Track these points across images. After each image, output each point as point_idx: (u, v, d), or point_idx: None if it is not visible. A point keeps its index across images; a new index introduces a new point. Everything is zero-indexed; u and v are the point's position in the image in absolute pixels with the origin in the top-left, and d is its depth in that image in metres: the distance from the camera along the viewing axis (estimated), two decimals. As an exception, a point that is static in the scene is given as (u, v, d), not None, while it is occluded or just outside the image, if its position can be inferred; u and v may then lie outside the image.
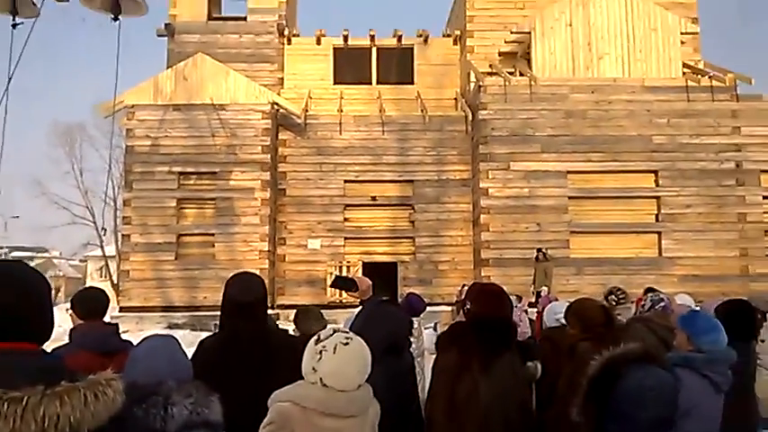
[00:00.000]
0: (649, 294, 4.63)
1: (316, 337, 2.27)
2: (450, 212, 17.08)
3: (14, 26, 8.90)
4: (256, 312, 2.82)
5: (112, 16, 8.88)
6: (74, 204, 36.34)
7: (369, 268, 16.80)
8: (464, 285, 14.45)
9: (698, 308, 5.11)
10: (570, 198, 15.88)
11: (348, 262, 16.85)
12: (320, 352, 2.21)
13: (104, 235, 32.53)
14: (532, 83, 16.11)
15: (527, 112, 16.09)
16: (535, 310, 9.52)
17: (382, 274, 16.36)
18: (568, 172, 15.91)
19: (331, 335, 2.25)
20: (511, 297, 3.37)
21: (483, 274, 15.56)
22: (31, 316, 1.45)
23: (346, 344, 2.23)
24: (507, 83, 16.17)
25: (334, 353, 2.19)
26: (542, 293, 11.81)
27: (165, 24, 18.13)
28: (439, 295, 16.23)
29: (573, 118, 16.02)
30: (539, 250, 14.59)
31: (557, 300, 6.67)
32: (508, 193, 15.87)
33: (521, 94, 16.15)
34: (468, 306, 3.17)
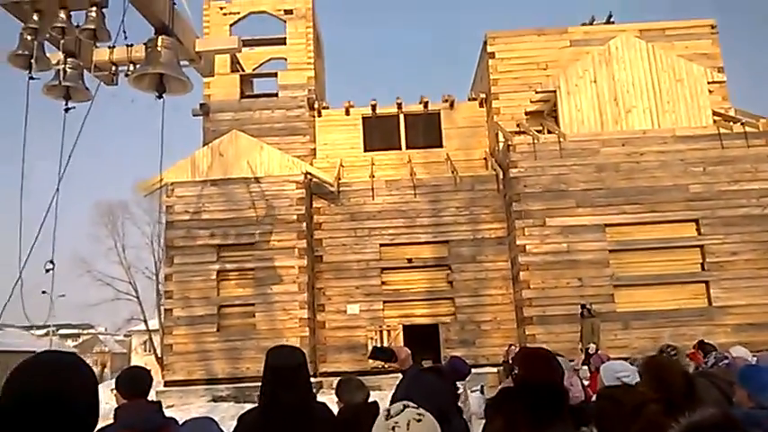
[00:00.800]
0: (713, 353, 4.50)
1: (385, 413, 2.23)
2: (488, 271, 16.96)
3: (67, 110, 9.43)
4: (297, 382, 2.79)
5: (157, 94, 9.39)
6: (117, 280, 37.15)
7: (409, 331, 16.71)
8: (511, 345, 14.31)
9: (755, 360, 4.93)
10: (611, 251, 15.65)
11: (388, 326, 16.75)
12: (392, 428, 2.17)
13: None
14: (561, 139, 16.23)
15: (558, 168, 16.13)
16: (586, 368, 9.27)
17: (423, 336, 16.23)
18: (606, 225, 15.75)
19: (402, 410, 2.21)
20: (560, 359, 3.31)
21: (527, 333, 15.28)
22: (80, 406, 1.50)
23: (419, 420, 2.19)
24: (536, 141, 16.32)
25: (407, 429, 2.16)
26: (590, 350, 11.49)
27: (201, 104, 18.92)
28: (483, 356, 15.97)
29: (605, 171, 15.98)
30: (583, 306, 14.30)
31: (609, 358, 6.49)
32: (546, 248, 15.73)
33: (550, 150, 16.25)
34: (516, 371, 3.13)
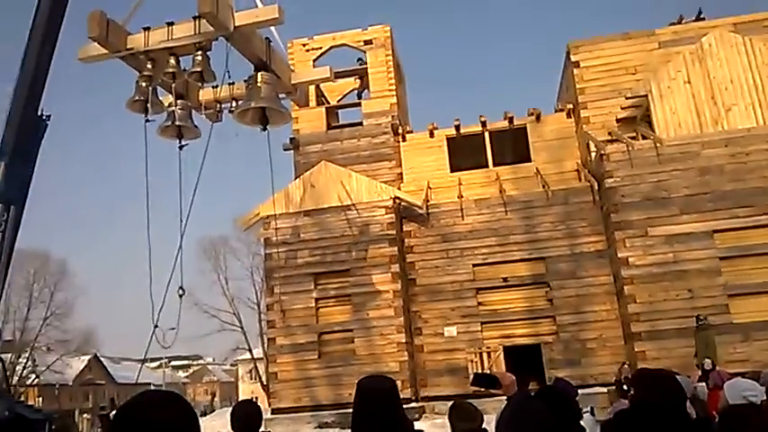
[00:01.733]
0: None
1: None
2: (589, 287, 16.36)
3: (181, 148, 10.40)
4: (386, 408, 2.76)
5: (261, 127, 10.16)
6: (222, 312, 38.79)
7: (510, 353, 16.36)
8: (624, 364, 13.66)
9: None
10: (722, 259, 14.68)
11: (488, 347, 16.48)
12: None
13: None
14: (658, 144, 15.52)
15: (657, 175, 15.41)
16: (704, 385, 8.71)
17: (525, 357, 15.83)
18: (714, 231, 14.82)
19: None
20: (681, 379, 3.14)
21: (636, 350, 14.55)
22: None
23: None
24: (631, 148, 15.69)
25: None
26: (706, 366, 10.79)
27: (290, 139, 19.61)
28: (591, 376, 15.37)
29: (709, 175, 15.10)
30: (698, 318, 13.47)
31: (730, 375, 6.07)
32: (650, 260, 14.99)
33: (647, 157, 15.57)
34: (632, 392, 3.00)
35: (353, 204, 17.37)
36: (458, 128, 19.08)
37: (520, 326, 16.75)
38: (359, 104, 20.03)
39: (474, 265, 17.19)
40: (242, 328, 38.41)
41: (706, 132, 15.52)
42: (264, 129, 10.30)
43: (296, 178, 18.66)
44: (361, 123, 19.59)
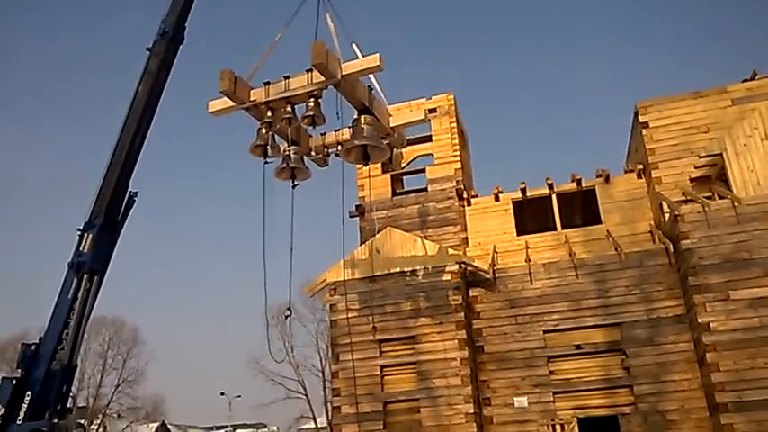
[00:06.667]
0: None
1: None
2: (669, 354, 15.45)
3: (294, 187, 11.67)
4: None
5: (363, 162, 11.71)
6: (287, 379, 38.74)
7: (585, 425, 15.53)
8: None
9: None
10: (812, 324, 13.66)
11: (561, 419, 15.68)
12: None
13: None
14: (736, 204, 14.88)
15: (737, 236, 14.69)
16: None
17: (601, 429, 14.96)
18: (802, 294, 13.87)
19: None
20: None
21: (723, 422, 13.52)
22: None
23: None
24: (707, 208, 15.10)
25: None
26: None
27: (356, 206, 19.93)
28: (674, 451, 14.30)
29: (795, 234, 14.29)
30: None
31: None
32: (734, 325, 14.09)
33: (725, 217, 14.92)
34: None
35: (419, 270, 17.28)
36: (524, 191, 18.91)
37: (595, 396, 15.89)
38: (423, 170, 20.25)
39: (545, 332, 16.61)
40: (306, 395, 38.20)
41: (789, 190, 14.80)
42: (367, 164, 11.90)
43: (361, 244, 18.82)
44: (425, 189, 19.74)
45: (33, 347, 13.18)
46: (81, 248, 13.69)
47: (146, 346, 50.01)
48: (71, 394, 14.11)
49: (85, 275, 13.47)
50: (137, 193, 14.36)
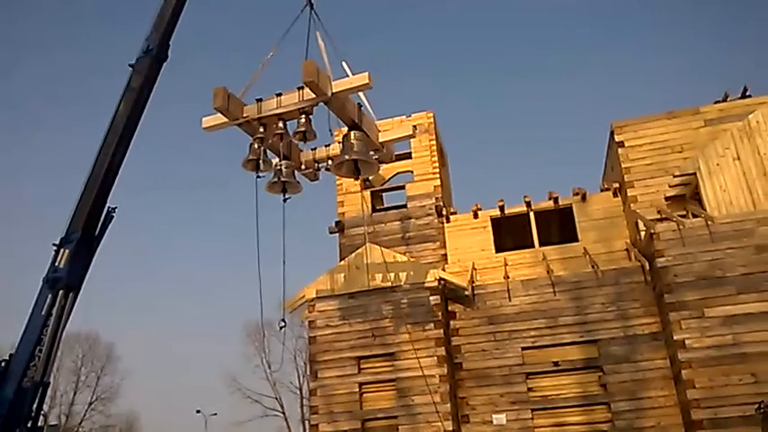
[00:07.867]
0: None
1: None
2: (645, 371, 15.59)
3: (285, 201, 11.84)
4: None
5: (355, 176, 11.94)
6: (264, 397, 38.28)
7: (563, 442, 15.50)
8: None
9: None
10: (786, 341, 13.89)
11: (539, 436, 15.65)
12: None
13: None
14: (709, 222, 15.16)
15: (711, 254, 14.94)
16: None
17: (580, 447, 14.96)
18: (775, 311, 14.11)
19: None
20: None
21: (699, 439, 13.62)
22: None
23: None
24: (681, 226, 15.36)
25: None
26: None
27: (336, 222, 19.91)
28: (651, 468, 14.37)
29: (767, 252, 14.56)
30: (760, 405, 12.68)
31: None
32: (708, 342, 14.28)
33: (699, 235, 15.17)
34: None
35: (398, 286, 17.28)
36: (502, 208, 19.07)
37: (573, 413, 15.94)
38: (403, 187, 20.32)
39: (523, 349, 16.67)
40: (284, 413, 37.77)
41: (760, 209, 15.12)
42: (358, 178, 12.36)
43: (341, 260, 18.78)
44: (405, 206, 19.81)
45: (3, 364, 12.90)
46: (57, 264, 13.49)
47: (120, 363, 49.28)
48: (42, 412, 13.79)
49: (61, 291, 13.26)
50: (115, 208, 14.24)
